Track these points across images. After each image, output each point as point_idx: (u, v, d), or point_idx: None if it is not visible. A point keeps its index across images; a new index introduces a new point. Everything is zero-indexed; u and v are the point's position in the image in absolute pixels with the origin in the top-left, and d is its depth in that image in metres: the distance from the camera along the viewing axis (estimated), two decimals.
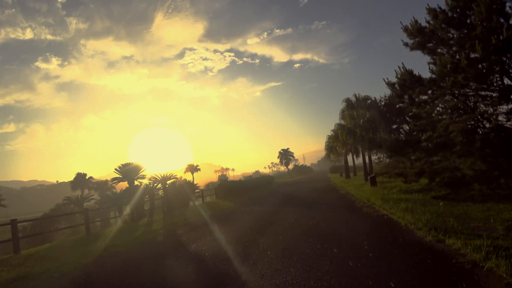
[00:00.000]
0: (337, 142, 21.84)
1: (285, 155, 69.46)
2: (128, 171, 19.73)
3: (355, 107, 24.02)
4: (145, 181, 21.35)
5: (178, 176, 59.77)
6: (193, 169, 58.88)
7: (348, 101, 25.94)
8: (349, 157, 31.01)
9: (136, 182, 17.38)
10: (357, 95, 25.79)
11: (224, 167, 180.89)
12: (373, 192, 13.33)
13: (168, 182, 27.75)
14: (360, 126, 20.11)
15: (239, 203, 18.04)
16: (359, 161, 35.59)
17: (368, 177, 16.61)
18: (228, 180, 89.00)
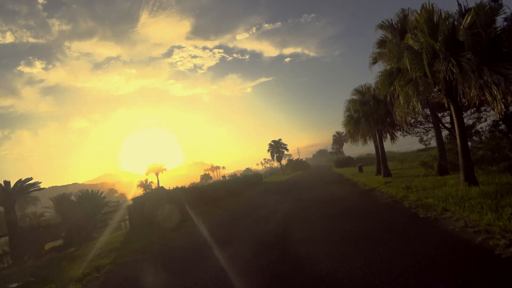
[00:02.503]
0: (402, 88, 8.66)
1: (277, 148, 56.38)
2: None
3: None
4: None
5: (144, 180, 44.74)
6: (157, 169, 45.43)
7: (391, 27, 13.29)
8: (359, 147, 18.33)
9: None
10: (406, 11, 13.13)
11: (215, 165, 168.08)
12: None
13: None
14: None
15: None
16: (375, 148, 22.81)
17: None
18: (212, 180, 75.77)
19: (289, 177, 40.33)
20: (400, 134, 16.25)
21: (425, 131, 15.47)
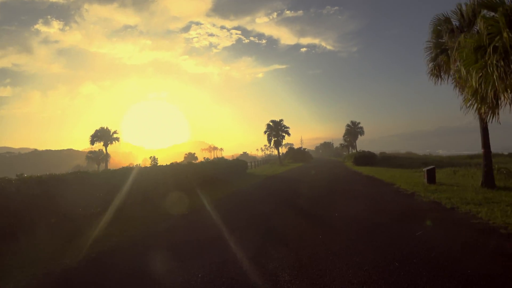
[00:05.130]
0: None
1: (276, 130, 43.61)
2: None
3: None
4: None
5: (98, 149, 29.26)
6: (107, 138, 32.83)
7: None
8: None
9: None
10: None
11: (213, 146, 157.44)
12: None
13: None
14: None
15: None
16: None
17: None
18: (198, 161, 63.37)
19: (288, 169, 28.06)
20: None
21: None
